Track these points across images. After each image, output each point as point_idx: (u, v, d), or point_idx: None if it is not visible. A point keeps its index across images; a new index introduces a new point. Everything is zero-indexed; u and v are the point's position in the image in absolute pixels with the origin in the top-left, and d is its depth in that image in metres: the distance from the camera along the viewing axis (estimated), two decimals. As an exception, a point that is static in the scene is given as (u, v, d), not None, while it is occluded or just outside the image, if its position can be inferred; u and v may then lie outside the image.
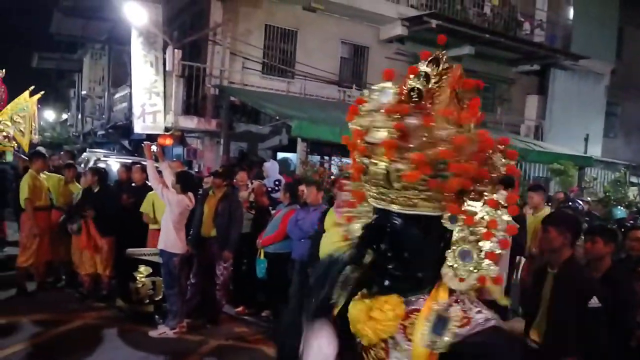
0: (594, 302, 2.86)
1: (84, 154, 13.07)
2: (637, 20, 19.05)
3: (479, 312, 1.23)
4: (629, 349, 3.35)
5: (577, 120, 16.53)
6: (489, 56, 14.76)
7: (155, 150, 5.63)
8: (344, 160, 10.25)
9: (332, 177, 8.97)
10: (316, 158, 11.11)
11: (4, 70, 9.76)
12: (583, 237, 3.82)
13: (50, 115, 31.74)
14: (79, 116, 24.77)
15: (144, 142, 5.97)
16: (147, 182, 7.18)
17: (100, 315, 5.87)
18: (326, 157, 11.42)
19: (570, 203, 7.59)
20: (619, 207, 9.61)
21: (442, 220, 1.25)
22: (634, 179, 15.45)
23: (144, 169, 7.19)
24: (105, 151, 15.65)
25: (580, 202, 8.07)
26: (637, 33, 19.48)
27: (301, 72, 12.50)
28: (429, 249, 1.27)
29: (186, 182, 5.57)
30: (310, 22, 12.54)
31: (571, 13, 16.69)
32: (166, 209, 5.45)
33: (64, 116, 31.08)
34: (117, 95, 15.79)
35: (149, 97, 10.82)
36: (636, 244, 3.99)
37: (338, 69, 13.22)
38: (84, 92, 22.98)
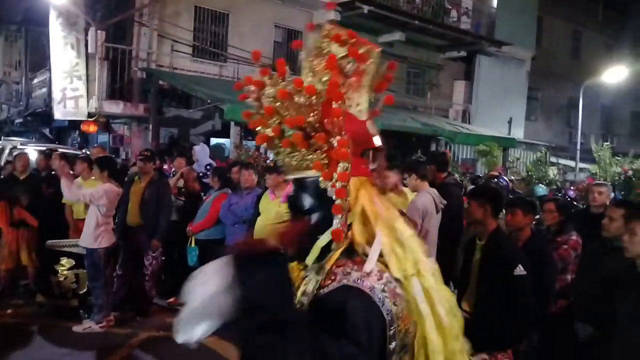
0: (519, 270, 2.97)
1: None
2: (554, 10, 20.23)
3: (348, 273, 1.25)
4: (550, 316, 3.52)
5: (501, 104, 17.39)
6: (418, 42, 15.15)
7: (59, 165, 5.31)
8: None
9: (269, 161, 8.90)
10: (252, 143, 10.98)
11: None
12: (504, 211, 4.02)
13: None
14: (-5, 103, 23.01)
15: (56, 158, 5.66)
16: (71, 171, 6.82)
17: (19, 313, 5.54)
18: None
19: (495, 180, 7.94)
20: (540, 185, 10.15)
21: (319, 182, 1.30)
22: (553, 159, 16.42)
23: (63, 156, 6.81)
24: (24, 139, 14.68)
25: (505, 179, 8.49)
26: (555, 22, 20.70)
27: (234, 56, 12.25)
28: (327, 212, 1.29)
29: (111, 167, 5.33)
30: (243, 5, 12.29)
31: (495, 2, 17.40)
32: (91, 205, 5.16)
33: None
34: (35, 81, 14.79)
35: (70, 82, 10.21)
36: (549, 215, 4.20)
37: (272, 53, 13.07)
38: (0, 78, 21.36)
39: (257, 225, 4.96)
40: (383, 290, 1.24)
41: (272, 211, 4.88)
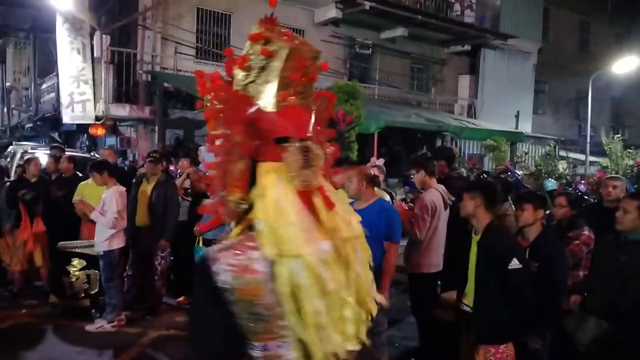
0: (514, 263, 3.00)
1: (10, 147, 12.39)
2: (561, 1, 20.07)
3: (220, 244, 1.55)
4: (563, 311, 3.44)
5: (508, 98, 17.31)
6: (421, 37, 15.14)
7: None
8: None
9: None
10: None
11: None
12: (513, 206, 4.00)
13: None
14: (4, 109, 23.33)
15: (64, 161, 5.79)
16: (77, 173, 6.97)
17: (33, 313, 5.66)
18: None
19: (509, 173, 7.88)
20: (550, 179, 10.10)
21: None
22: (562, 153, 16.36)
23: (71, 159, 6.94)
24: (34, 144, 14.89)
25: (517, 173, 8.42)
26: (562, 13, 20.54)
27: (237, 56, 12.32)
28: None
29: (107, 168, 5.45)
30: (244, 5, 12.35)
31: (498, -6, 17.34)
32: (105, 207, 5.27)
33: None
34: (44, 86, 14.99)
35: (77, 86, 10.36)
36: (560, 209, 4.07)
37: (275, 53, 13.16)
38: (8, 84, 21.64)
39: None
40: (230, 265, 1.39)
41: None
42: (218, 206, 1.53)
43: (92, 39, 10.44)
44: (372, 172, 4.36)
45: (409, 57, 15.51)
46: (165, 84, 10.85)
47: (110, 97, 10.57)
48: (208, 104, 1.58)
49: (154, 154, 6.14)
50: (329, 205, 1.52)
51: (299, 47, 1.68)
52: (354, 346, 1.49)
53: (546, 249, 3.40)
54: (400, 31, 14.02)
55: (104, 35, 10.36)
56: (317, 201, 1.53)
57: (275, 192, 1.46)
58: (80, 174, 6.88)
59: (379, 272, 3.74)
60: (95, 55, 10.34)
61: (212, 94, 1.60)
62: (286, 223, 1.42)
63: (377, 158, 8.06)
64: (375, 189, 3.98)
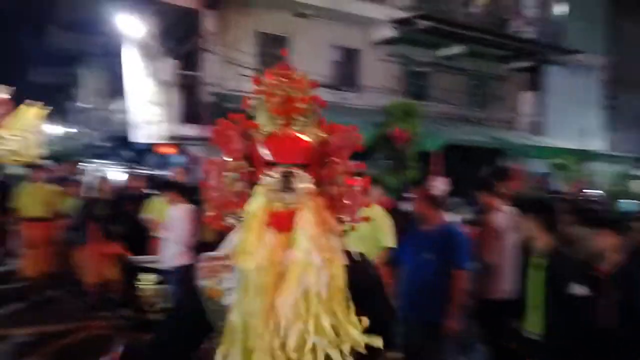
0: (580, 289, 2.89)
1: (83, 164, 13.22)
2: (630, 14, 19.18)
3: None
4: None
5: (575, 114, 16.63)
6: (479, 54, 14.92)
7: None
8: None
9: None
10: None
11: (7, 86, 9.96)
12: (592, 230, 3.70)
13: (51, 128, 31.87)
14: (79, 128, 24.95)
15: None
16: (146, 190, 7.38)
17: (106, 325, 5.93)
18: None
19: (584, 193, 7.48)
20: (627, 200, 9.58)
21: None
22: (637, 172, 15.46)
23: (141, 177, 7.34)
24: (105, 161, 15.81)
25: (596, 194, 7.96)
26: (630, 26, 19.59)
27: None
28: None
29: (182, 189, 5.71)
30: (300, 28, 12.67)
31: (562, 9, 16.83)
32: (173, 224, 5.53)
33: (65, 129, 31.25)
34: (115, 107, 15.94)
35: (147, 107, 10.98)
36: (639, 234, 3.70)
37: (330, 73, 13.37)
38: (84, 105, 23.15)
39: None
40: (202, 266, 1.71)
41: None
42: (218, 221, 1.79)
43: (160, 62, 11.04)
44: (436, 193, 4.33)
45: (467, 74, 15.31)
46: (228, 105, 11.28)
47: (177, 118, 11.09)
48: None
49: None
50: (287, 227, 1.64)
51: (281, 87, 1.86)
52: None
53: (629, 277, 3.13)
54: (457, 49, 13.90)
55: (171, 60, 10.94)
56: (304, 219, 1.64)
57: (251, 210, 1.66)
58: (149, 192, 7.29)
59: (446, 298, 3.69)
60: (164, 78, 10.93)
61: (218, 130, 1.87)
62: (246, 236, 1.62)
63: (439, 177, 7.99)
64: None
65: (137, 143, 12.36)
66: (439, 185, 7.59)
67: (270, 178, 1.68)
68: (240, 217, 1.72)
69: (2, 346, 5.02)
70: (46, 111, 9.01)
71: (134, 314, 5.94)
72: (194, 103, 11.48)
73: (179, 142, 11.28)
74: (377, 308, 1.76)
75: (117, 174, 10.03)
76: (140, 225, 6.62)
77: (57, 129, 31.95)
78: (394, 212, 6.04)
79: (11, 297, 6.64)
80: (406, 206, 5.97)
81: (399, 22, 13.07)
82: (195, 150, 12.75)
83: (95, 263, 6.40)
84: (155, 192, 7.02)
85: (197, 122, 11.42)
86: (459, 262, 3.66)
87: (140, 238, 6.54)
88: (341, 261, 1.67)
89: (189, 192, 6.13)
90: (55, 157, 20.47)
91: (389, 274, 4.37)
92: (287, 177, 1.67)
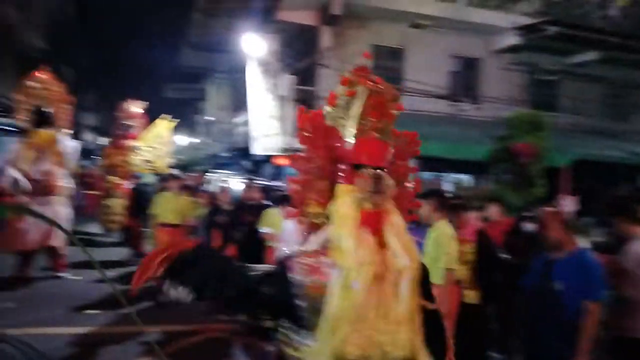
0: None
1: (209, 174, 14.19)
2: None
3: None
4: None
5: None
6: (618, 60, 13.52)
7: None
8: (458, 176, 9.98)
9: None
10: (427, 175, 10.92)
11: (141, 101, 11.08)
12: None
13: (180, 139, 34.77)
14: (205, 140, 26.93)
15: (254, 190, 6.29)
16: (265, 201, 7.66)
17: (225, 328, 6.22)
18: (438, 174, 11.20)
19: None
20: None
21: None
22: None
23: (261, 188, 7.62)
24: (228, 172, 16.82)
25: None
26: None
27: (410, 89, 12.46)
28: None
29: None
30: (417, 39, 12.49)
31: None
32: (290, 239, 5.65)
33: (192, 140, 33.92)
34: (237, 120, 16.90)
35: (266, 121, 11.48)
36: None
37: (448, 84, 12.98)
38: (209, 118, 24.92)
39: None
40: (305, 264, 1.75)
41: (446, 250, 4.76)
42: (299, 216, 1.87)
43: (279, 78, 11.51)
44: (566, 213, 3.92)
45: (602, 83, 13.94)
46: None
47: (294, 131, 11.45)
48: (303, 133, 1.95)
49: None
50: (378, 228, 1.72)
51: (378, 90, 1.95)
52: None
53: None
54: (591, 55, 12.73)
55: (289, 76, 11.34)
56: (386, 223, 1.75)
57: (344, 210, 1.73)
58: (267, 202, 7.55)
59: (575, 331, 3.34)
60: (281, 93, 11.36)
61: (306, 124, 1.97)
62: (345, 237, 1.68)
63: (567, 195, 7.33)
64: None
65: (256, 155, 12.96)
66: (568, 204, 6.98)
67: (363, 180, 1.75)
68: (319, 214, 1.81)
69: (132, 343, 5.45)
70: (175, 124, 9.82)
71: (250, 320, 6.13)
72: (309, 116, 11.77)
73: (294, 154, 11.60)
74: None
75: (237, 184, 10.58)
76: (257, 235, 6.86)
77: (184, 140, 34.87)
78: (514, 233, 5.64)
79: (141, 296, 7.23)
80: (529, 227, 5.51)
81: (525, 29, 12.31)
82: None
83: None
84: (271, 203, 7.26)
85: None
86: (593, 293, 3.27)
87: (258, 248, 6.79)
88: (420, 262, 1.78)
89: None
90: (183, 166, 22.32)
91: (454, 296, 4.25)
92: (378, 179, 1.76)
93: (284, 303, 1.89)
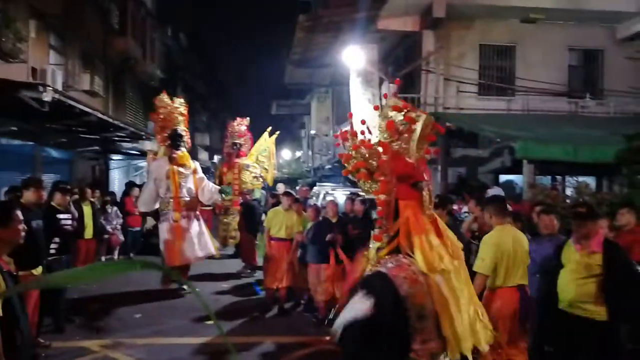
0: None
1: (315, 187, 14.39)
2: None
3: (385, 263, 2.02)
4: None
5: None
6: None
7: None
8: (581, 180, 9.14)
9: (568, 201, 8.05)
10: (546, 179, 10.15)
11: (248, 119, 11.55)
12: None
13: (286, 154, 36.01)
14: (309, 153, 27.55)
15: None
16: (366, 214, 7.54)
17: (334, 341, 6.21)
18: (558, 178, 10.35)
19: None
20: None
21: None
22: None
23: (363, 201, 7.52)
24: (332, 184, 16.96)
25: None
26: None
27: (522, 88, 11.70)
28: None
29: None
30: (529, 34, 11.73)
31: None
32: None
33: (297, 154, 34.93)
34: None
35: (369, 132, 11.37)
36: None
37: (566, 79, 11.99)
38: (312, 132, 25.48)
39: (561, 279, 4.43)
40: (404, 278, 1.97)
41: (579, 264, 4.29)
42: (382, 233, 2.15)
43: (380, 88, 11.37)
44: None
45: None
46: (447, 124, 10.99)
47: (397, 140, 11.26)
48: (353, 155, 2.27)
49: (435, 199, 6.16)
50: (442, 234, 2.06)
51: (429, 118, 2.18)
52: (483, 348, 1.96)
53: None
54: None
55: (391, 84, 11.17)
56: (441, 227, 2.06)
57: (417, 222, 2.00)
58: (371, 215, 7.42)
59: None
60: (383, 103, 11.20)
61: (359, 148, 2.22)
62: (432, 246, 1.96)
63: None
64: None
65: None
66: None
67: (426, 194, 2.09)
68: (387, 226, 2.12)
69: (246, 354, 5.58)
70: (279, 136, 10.05)
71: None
72: (413, 124, 11.51)
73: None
74: None
75: (342, 196, 10.58)
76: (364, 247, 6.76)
77: (289, 154, 36.04)
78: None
79: (251, 307, 7.45)
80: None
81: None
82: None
83: (325, 281, 6.75)
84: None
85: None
86: None
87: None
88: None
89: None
90: (288, 179, 23.00)
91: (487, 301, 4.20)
92: (429, 192, 2.12)
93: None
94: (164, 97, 8.75)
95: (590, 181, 9.73)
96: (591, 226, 4.24)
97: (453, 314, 1.91)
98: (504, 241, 4.38)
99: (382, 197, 2.13)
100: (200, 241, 8.30)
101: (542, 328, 4.70)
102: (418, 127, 2.20)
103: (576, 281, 4.20)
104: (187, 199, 8.36)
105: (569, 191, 9.21)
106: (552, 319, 4.45)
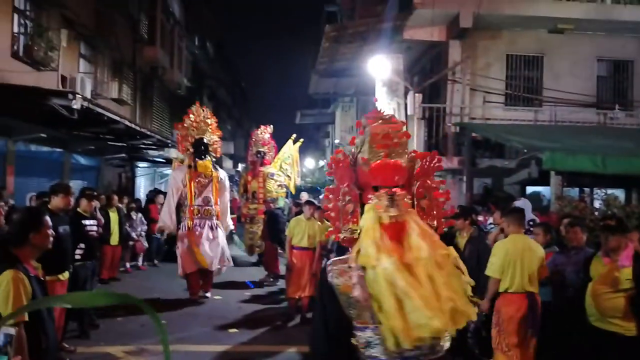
0: None
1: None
2: None
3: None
4: None
5: None
6: None
7: None
8: (610, 192, 8.91)
9: (596, 213, 7.86)
10: (574, 191, 9.93)
11: (272, 126, 11.62)
12: None
13: (309, 162, 36.11)
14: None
15: None
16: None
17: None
18: (587, 190, 10.11)
19: None
20: None
21: None
22: None
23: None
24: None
25: None
26: None
27: (550, 99, 11.51)
28: None
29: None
30: (557, 45, 11.56)
31: None
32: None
33: (321, 163, 34.97)
34: (364, 142, 17.03)
35: (393, 141, 11.32)
36: None
37: (595, 90, 11.76)
38: (336, 141, 25.48)
39: (589, 293, 4.31)
40: (335, 268, 2.21)
41: (607, 277, 4.18)
42: (337, 234, 2.32)
43: (406, 98, 11.33)
44: None
45: None
46: (473, 134, 10.87)
47: (421, 150, 11.14)
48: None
49: (456, 210, 6.09)
50: (399, 235, 2.12)
51: (382, 127, 2.33)
52: (436, 334, 2.03)
53: None
54: None
55: (416, 94, 11.11)
56: (408, 230, 2.12)
57: (367, 224, 2.16)
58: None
59: None
60: (408, 112, 11.16)
61: (331, 163, 2.41)
62: (367, 244, 2.10)
63: None
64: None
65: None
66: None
67: (378, 198, 2.17)
68: (355, 230, 2.25)
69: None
70: (304, 147, 10.07)
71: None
72: (437, 134, 11.40)
73: (328, 186, 11.26)
74: None
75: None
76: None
77: (313, 163, 36.12)
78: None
79: (273, 316, 7.44)
80: None
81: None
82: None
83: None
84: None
85: (439, 153, 11.24)
86: None
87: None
88: (452, 253, 2.17)
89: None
90: (313, 187, 23.01)
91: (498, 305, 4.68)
92: (391, 197, 2.15)
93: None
94: (197, 107, 8.88)
95: (619, 193, 9.48)
96: (620, 239, 4.17)
97: (401, 304, 2.00)
98: (514, 247, 4.69)
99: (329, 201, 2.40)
100: (215, 250, 8.33)
101: (571, 343, 4.62)
102: (367, 139, 2.32)
103: (605, 295, 4.11)
104: (203, 207, 8.41)
105: (597, 203, 8.99)
106: (581, 333, 4.38)
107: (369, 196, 2.19)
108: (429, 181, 2.35)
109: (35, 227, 2.80)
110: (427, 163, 2.38)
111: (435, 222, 2.31)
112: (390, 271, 2.00)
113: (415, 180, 2.34)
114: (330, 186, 2.36)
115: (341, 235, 2.29)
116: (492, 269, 4.76)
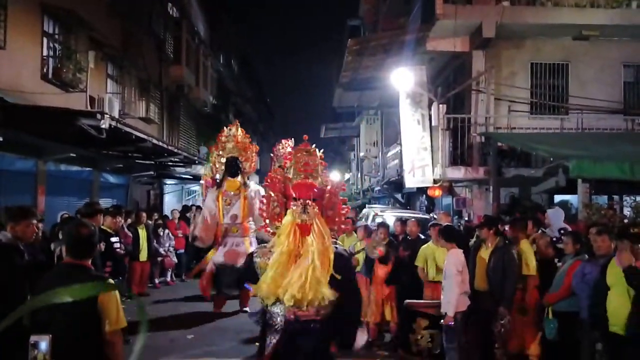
0: None
1: (364, 209, 14.37)
2: None
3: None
4: None
5: None
6: None
7: None
8: (639, 199, 8.70)
9: (626, 220, 7.69)
10: (602, 199, 9.73)
11: (293, 140, 11.70)
12: None
13: (335, 176, 36.16)
14: (359, 175, 27.56)
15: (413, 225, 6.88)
16: (420, 235, 7.47)
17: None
18: (615, 197, 9.91)
19: None
20: None
21: None
22: None
23: (419, 222, 7.48)
24: (382, 206, 16.88)
25: None
26: None
27: (576, 106, 11.33)
28: None
29: (451, 234, 5.59)
30: (583, 52, 11.41)
31: None
32: (448, 270, 5.47)
33: (347, 176, 34.97)
34: (389, 154, 16.99)
35: (417, 153, 11.31)
36: None
37: (621, 96, 11.54)
38: (361, 154, 25.50)
39: (610, 301, 4.23)
40: (258, 251, 3.33)
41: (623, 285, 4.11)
42: (266, 229, 3.43)
43: (430, 109, 11.32)
44: None
45: None
46: (499, 144, 10.77)
47: (446, 161, 11.10)
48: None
49: (482, 220, 6.09)
50: (306, 233, 3.07)
51: (305, 157, 3.30)
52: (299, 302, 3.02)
53: None
54: None
55: (440, 105, 11.09)
56: (314, 229, 3.08)
57: (285, 222, 3.14)
58: (422, 236, 7.36)
59: None
60: (433, 124, 11.14)
61: (268, 178, 3.43)
62: (281, 236, 3.13)
63: None
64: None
65: (409, 187, 12.81)
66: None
67: (296, 206, 3.08)
68: (278, 227, 3.20)
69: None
70: (330, 161, 10.11)
71: (408, 357, 5.97)
72: (462, 145, 11.33)
73: (447, 184, 11.21)
74: (345, 284, 3.12)
75: (391, 218, 10.51)
76: (414, 269, 6.70)
77: (338, 176, 36.16)
78: None
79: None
80: None
81: None
82: (462, 192, 12.50)
83: (375, 303, 6.71)
84: (428, 236, 7.04)
85: (465, 163, 11.19)
86: None
87: (415, 282, 6.61)
88: (332, 249, 3.14)
89: (458, 236, 5.94)
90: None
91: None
92: (305, 206, 3.05)
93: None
94: (233, 129, 9.00)
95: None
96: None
97: (285, 274, 3.02)
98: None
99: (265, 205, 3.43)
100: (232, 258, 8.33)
101: (595, 351, 4.57)
102: (293, 160, 3.34)
103: (622, 305, 4.08)
104: (231, 225, 8.51)
105: (626, 211, 8.80)
106: (604, 342, 4.36)
107: (291, 204, 3.14)
108: (334, 198, 3.37)
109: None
110: (335, 186, 3.47)
111: (336, 226, 3.36)
112: (280, 253, 3.04)
113: (326, 195, 3.32)
114: (265, 194, 3.48)
115: (270, 230, 3.31)
116: (533, 268, 5.68)
